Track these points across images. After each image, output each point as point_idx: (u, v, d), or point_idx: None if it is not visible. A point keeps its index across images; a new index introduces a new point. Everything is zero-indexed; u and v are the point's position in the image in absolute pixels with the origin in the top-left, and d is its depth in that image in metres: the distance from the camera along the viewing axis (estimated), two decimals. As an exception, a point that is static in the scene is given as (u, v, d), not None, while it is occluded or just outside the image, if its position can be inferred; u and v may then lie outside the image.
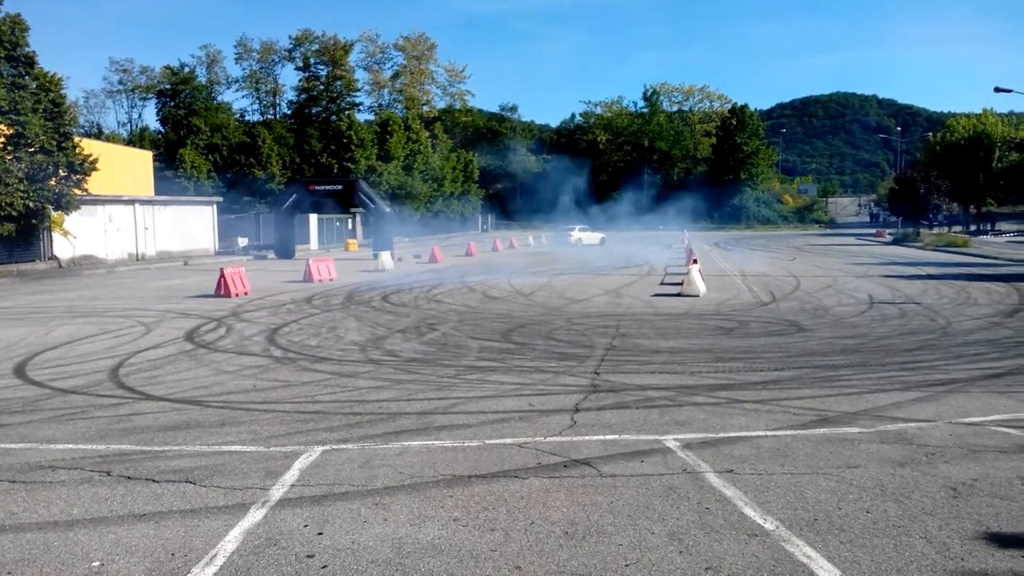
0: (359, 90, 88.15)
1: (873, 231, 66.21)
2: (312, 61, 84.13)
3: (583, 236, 49.68)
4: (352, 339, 12.46)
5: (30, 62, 28.11)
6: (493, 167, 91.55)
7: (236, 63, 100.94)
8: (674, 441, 6.55)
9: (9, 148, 26.64)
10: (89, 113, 78.77)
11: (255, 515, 4.96)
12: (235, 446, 6.53)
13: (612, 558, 4.32)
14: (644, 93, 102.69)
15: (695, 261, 22.16)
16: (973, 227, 70.08)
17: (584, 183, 71.04)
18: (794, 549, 4.41)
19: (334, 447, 6.46)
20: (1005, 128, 70.73)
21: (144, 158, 44.88)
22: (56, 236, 31.09)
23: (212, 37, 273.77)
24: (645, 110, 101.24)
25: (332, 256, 32.50)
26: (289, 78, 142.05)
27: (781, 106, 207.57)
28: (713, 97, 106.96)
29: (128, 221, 36.06)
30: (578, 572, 4.16)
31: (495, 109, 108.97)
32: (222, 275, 19.40)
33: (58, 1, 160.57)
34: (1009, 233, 62.21)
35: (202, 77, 78.82)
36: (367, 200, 39.35)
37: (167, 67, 73.63)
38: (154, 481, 5.65)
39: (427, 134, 75.44)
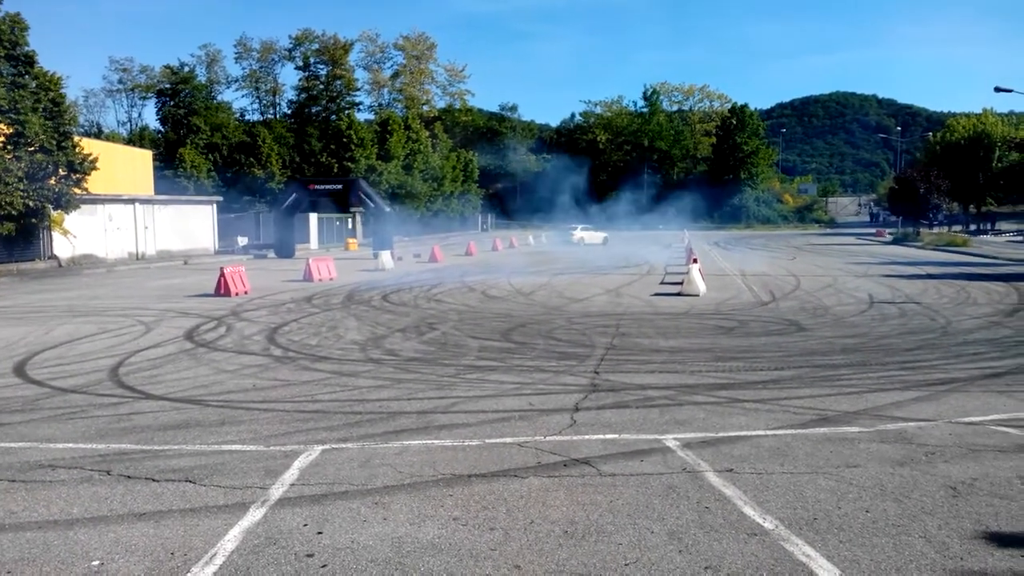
0: (359, 90, 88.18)
1: (873, 231, 66.19)
2: (312, 60, 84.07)
3: (585, 235, 49.45)
4: (352, 338, 12.46)
5: (30, 61, 28.10)
6: (493, 167, 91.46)
7: (236, 62, 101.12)
8: (674, 440, 6.55)
9: (9, 147, 26.65)
10: (89, 112, 78.84)
11: (255, 514, 4.96)
12: (235, 445, 6.53)
13: (612, 557, 4.32)
14: (644, 93, 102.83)
15: (695, 260, 22.17)
16: (973, 227, 70.17)
17: (584, 183, 71.01)
18: (793, 548, 4.41)
19: (334, 446, 6.46)
20: (1005, 128, 70.82)
21: (144, 157, 44.86)
22: (56, 235, 31.08)
23: (212, 36, 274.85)
24: (645, 110, 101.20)
25: (332, 255, 32.47)
26: (289, 77, 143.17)
27: (781, 106, 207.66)
28: (713, 97, 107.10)
29: (128, 220, 36.06)
30: (578, 571, 4.16)
31: (495, 109, 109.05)
32: (222, 274, 19.41)
33: (58, 0, 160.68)
34: (1009, 233, 62.23)
35: (202, 76, 78.81)
36: (367, 199, 39.34)
37: (167, 66, 73.63)
38: (154, 480, 5.65)
39: (427, 134, 75.40)
